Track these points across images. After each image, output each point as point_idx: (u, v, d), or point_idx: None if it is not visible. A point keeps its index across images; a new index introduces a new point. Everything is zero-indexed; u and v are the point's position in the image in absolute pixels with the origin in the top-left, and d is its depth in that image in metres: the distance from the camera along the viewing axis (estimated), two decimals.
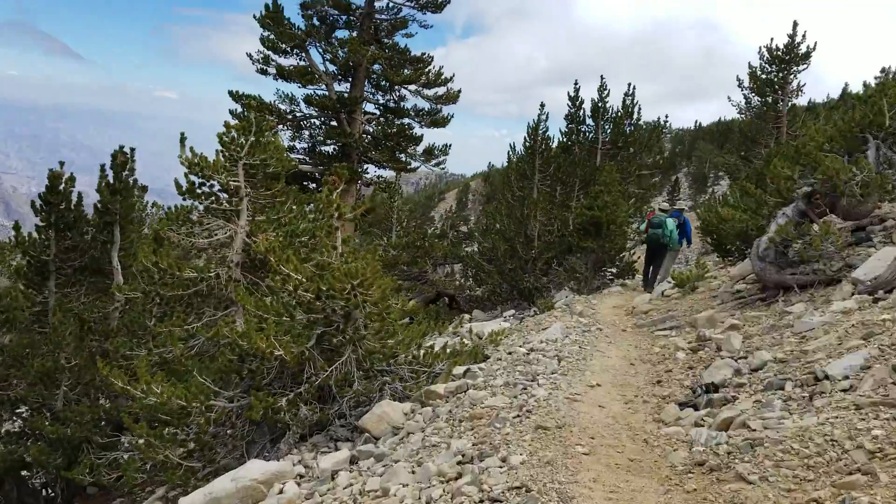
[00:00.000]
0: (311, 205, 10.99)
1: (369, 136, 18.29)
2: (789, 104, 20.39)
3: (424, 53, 17.92)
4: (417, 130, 19.17)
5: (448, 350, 9.25)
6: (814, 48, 19.82)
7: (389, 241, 25.86)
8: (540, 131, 22.05)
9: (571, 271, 14.51)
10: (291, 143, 17.47)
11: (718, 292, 10.76)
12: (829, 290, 8.18)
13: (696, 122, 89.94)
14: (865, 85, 9.77)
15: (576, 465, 4.37)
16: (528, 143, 22.28)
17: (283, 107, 16.96)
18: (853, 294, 7.56)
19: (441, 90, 18.62)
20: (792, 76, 20.20)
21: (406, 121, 18.88)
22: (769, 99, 20.65)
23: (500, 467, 4.42)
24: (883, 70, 9.66)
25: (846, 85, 44.14)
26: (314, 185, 17.98)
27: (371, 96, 18.62)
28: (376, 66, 17.79)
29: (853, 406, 4.24)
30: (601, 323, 10.60)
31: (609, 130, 23.04)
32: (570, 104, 22.99)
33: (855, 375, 4.84)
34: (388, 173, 20.30)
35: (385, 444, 6.84)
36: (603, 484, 4.08)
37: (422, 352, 8.91)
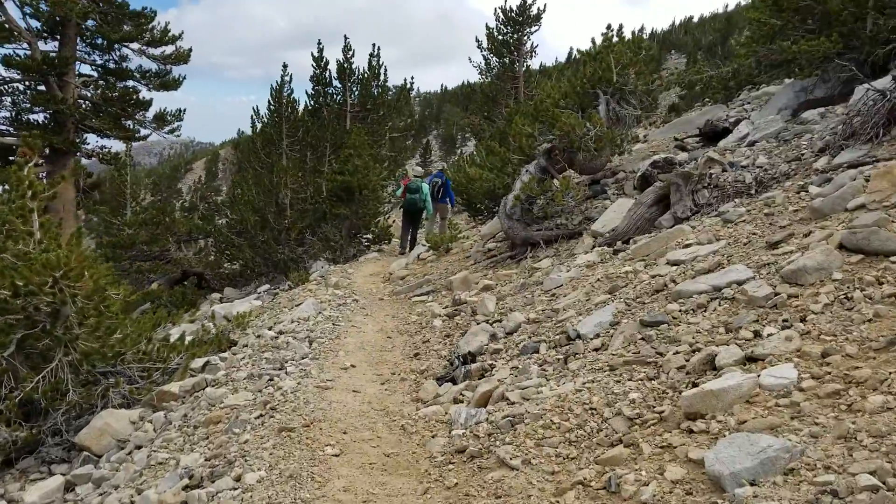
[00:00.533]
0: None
1: (87, 102, 15.91)
2: (525, 65, 21.36)
3: (146, 8, 15.86)
4: (145, 94, 17.08)
5: (188, 340, 8.17)
6: (544, 10, 20.88)
7: (124, 218, 23.27)
8: (285, 94, 20.87)
9: (326, 240, 13.83)
10: None
11: (471, 252, 10.75)
12: (572, 244, 8.37)
13: (442, 85, 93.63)
14: (593, 42, 10.14)
15: (324, 472, 3.74)
16: (273, 107, 21.01)
17: None
18: (594, 247, 7.76)
19: (169, 49, 16.69)
20: (526, 38, 21.15)
21: (131, 83, 16.70)
22: (506, 60, 21.46)
23: (234, 489, 3.67)
24: (609, 27, 10.02)
25: (571, 49, 47.74)
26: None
27: (87, 56, 16.18)
28: (90, 23, 15.41)
29: (607, 367, 4.08)
30: (358, 293, 10.10)
31: (357, 93, 22.48)
32: (314, 65, 22.01)
33: (605, 333, 4.75)
34: (116, 143, 17.95)
35: (107, 464, 5.74)
36: (355, 493, 3.51)
37: (155, 345, 7.73)
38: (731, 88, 12.95)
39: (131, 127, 16.91)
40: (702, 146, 10.60)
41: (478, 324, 6.27)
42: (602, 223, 8.08)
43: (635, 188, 9.18)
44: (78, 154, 15.76)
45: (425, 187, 13.69)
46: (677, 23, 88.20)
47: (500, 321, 6.13)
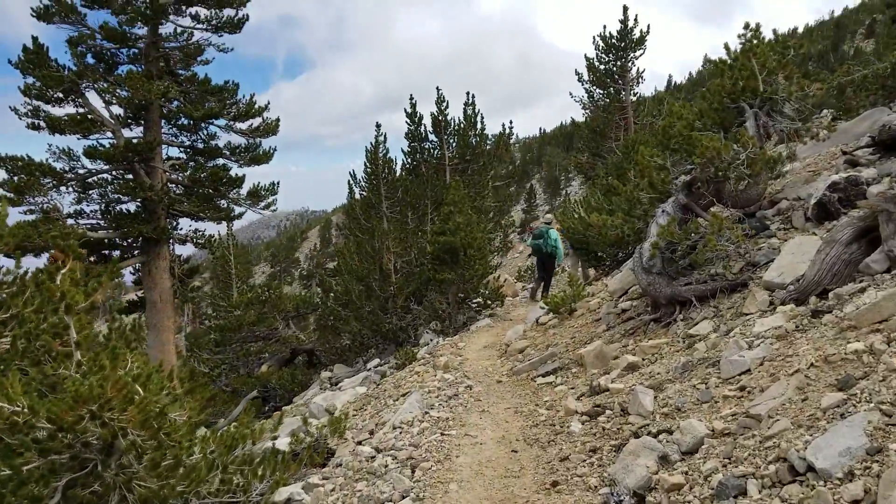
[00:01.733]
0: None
1: (177, 186, 15.49)
2: (632, 94, 19.56)
3: (228, 81, 15.39)
4: (237, 171, 16.52)
5: (280, 454, 6.83)
6: (647, 32, 19.10)
7: (230, 300, 22.93)
8: (380, 154, 19.99)
9: (432, 309, 12.43)
10: (78, 207, 14.35)
11: (601, 314, 8.97)
12: (735, 300, 6.48)
13: (540, 128, 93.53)
14: (727, 48, 8.31)
15: None
16: (369, 169, 20.17)
17: (59, 165, 13.88)
18: (772, 304, 5.87)
19: (256, 121, 16.13)
20: (630, 64, 19.38)
21: (221, 161, 16.20)
22: (611, 90, 19.73)
23: None
24: (746, 26, 8.19)
25: (670, 77, 45.07)
26: (117, 252, 14.95)
27: (175, 139, 15.82)
28: (174, 104, 15.05)
29: None
30: (471, 376, 8.53)
31: (455, 145, 21.34)
32: (408, 121, 21.10)
33: (863, 468, 2.94)
34: (211, 225, 17.47)
35: None
36: None
37: (233, 472, 6.41)
38: (890, 87, 10.73)
39: (225, 206, 16.32)
40: (879, 158, 8.47)
41: (636, 435, 4.53)
42: (777, 271, 6.16)
43: (809, 219, 7.19)
44: (171, 240, 15.25)
45: (553, 233, 13.63)
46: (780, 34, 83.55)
47: (668, 431, 4.36)
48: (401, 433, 6.19)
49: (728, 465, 3.58)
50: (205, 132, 16.07)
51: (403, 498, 4.60)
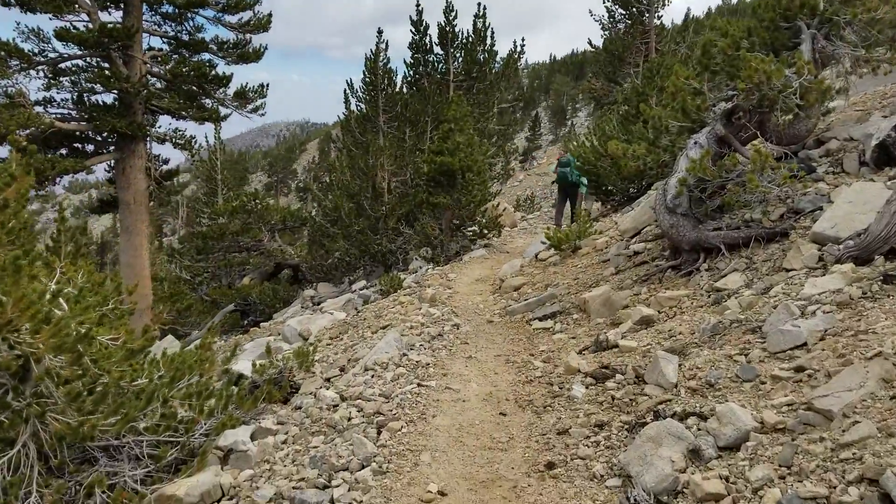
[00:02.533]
0: None
1: (158, 80, 14.23)
2: (657, 16, 18.03)
3: None
4: (224, 68, 15.24)
5: (234, 387, 5.99)
6: None
7: (214, 206, 21.94)
8: (380, 64, 18.61)
9: (423, 234, 11.46)
10: (48, 94, 13.11)
11: (610, 255, 8.03)
12: (774, 252, 5.53)
13: (550, 55, 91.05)
14: None
15: None
16: (367, 79, 18.82)
17: (28, 46, 12.59)
18: (821, 259, 4.93)
19: (246, 15, 14.74)
20: None
21: (206, 57, 14.89)
22: (634, 10, 18.19)
23: None
24: None
25: (689, 10, 42.88)
26: (91, 146, 13.81)
27: (157, 28, 14.46)
28: None
29: None
30: (459, 313, 7.65)
31: (461, 59, 19.89)
32: (413, 30, 19.58)
33: None
34: (193, 126, 16.21)
35: None
36: None
37: (180, 404, 5.58)
38: None
39: (210, 105, 15.07)
40: None
41: (656, 414, 3.64)
42: (830, 221, 5.19)
43: (865, 164, 6.17)
44: (148, 138, 14.08)
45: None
46: None
47: (699, 415, 3.46)
48: (372, 377, 5.33)
49: (788, 478, 2.70)
50: (191, 23, 14.69)
51: (363, 468, 3.75)
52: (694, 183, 6.20)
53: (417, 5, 19.59)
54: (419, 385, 4.99)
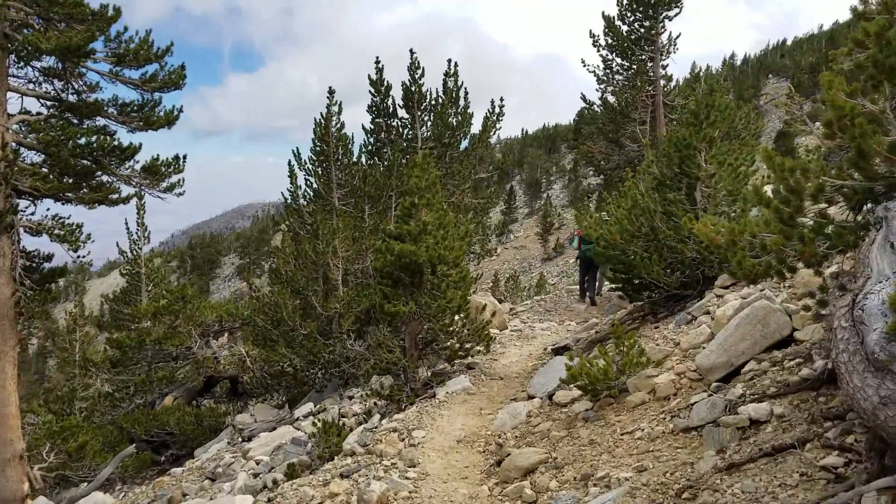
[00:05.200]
0: None
1: (30, 151, 10.85)
2: (663, 65, 15.03)
3: (107, 6, 10.80)
4: (135, 138, 11.85)
5: None
6: None
7: (136, 306, 18.21)
8: (332, 128, 15.41)
9: (380, 358, 7.81)
10: None
11: (694, 416, 4.50)
12: None
13: (522, 129, 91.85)
14: None
15: None
16: (317, 148, 15.55)
17: None
18: None
19: (151, 68, 11.50)
20: (661, 25, 14.87)
21: (101, 122, 11.59)
22: (638, 58, 15.18)
23: None
24: None
25: (694, 63, 41.08)
26: None
27: (35, 85, 11.19)
28: (26, 32, 10.42)
29: None
30: None
31: (430, 123, 16.75)
32: (372, 91, 16.43)
33: None
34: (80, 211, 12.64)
35: None
36: None
37: None
38: None
39: (109, 183, 11.60)
40: None
41: None
42: None
43: None
44: (13, 230, 10.52)
45: None
46: (771, 46, 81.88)
47: None
48: None
49: None
50: (80, 81, 11.34)
51: None
52: None
53: (377, 62, 16.55)
54: None
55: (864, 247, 3.33)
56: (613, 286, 8.49)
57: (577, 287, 15.61)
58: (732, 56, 73.93)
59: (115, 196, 11.84)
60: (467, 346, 8.29)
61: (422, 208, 7.98)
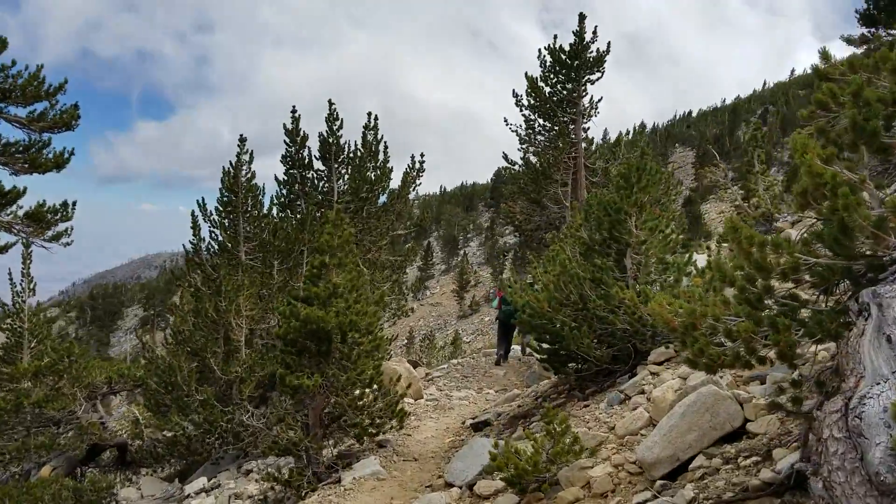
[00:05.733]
0: None
1: None
2: (584, 127, 15.02)
3: None
4: (16, 181, 10.71)
5: None
6: (607, 51, 14.71)
7: (16, 365, 16.42)
8: (242, 178, 14.53)
9: (279, 437, 6.90)
10: None
11: None
12: None
13: (441, 186, 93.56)
14: None
15: None
16: (225, 198, 14.60)
17: None
18: None
19: (40, 106, 10.48)
20: (583, 88, 14.90)
21: None
22: (556, 119, 15.09)
23: None
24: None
25: (606, 130, 42.53)
26: None
27: None
28: None
29: None
30: None
31: (347, 176, 16.09)
32: (287, 141, 15.70)
33: None
34: None
35: None
36: None
37: None
38: None
39: None
40: None
41: None
42: None
43: None
44: None
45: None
46: (678, 116, 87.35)
47: None
48: None
49: None
50: None
51: None
52: None
53: (293, 111, 15.87)
54: None
55: (853, 339, 2.84)
56: (539, 357, 7.90)
57: (494, 350, 15.13)
58: (643, 125, 78.08)
59: None
60: (378, 422, 7.48)
61: (333, 269, 7.23)
